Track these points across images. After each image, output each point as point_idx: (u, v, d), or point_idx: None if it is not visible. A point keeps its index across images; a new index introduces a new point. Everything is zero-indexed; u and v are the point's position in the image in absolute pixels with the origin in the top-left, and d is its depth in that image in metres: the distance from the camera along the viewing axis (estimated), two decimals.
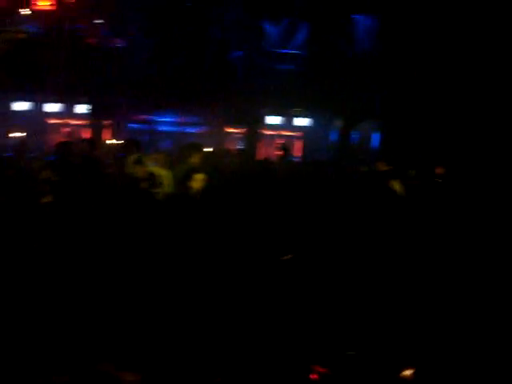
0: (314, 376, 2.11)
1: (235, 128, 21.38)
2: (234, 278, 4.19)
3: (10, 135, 18.11)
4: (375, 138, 20.17)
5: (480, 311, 3.86)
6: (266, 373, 2.10)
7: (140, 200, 8.93)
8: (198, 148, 10.14)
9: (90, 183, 8.85)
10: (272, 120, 21.91)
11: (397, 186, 9.04)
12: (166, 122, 21.05)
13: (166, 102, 19.34)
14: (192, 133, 21.20)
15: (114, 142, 16.99)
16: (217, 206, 7.78)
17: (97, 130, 19.24)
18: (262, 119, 21.30)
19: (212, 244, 6.00)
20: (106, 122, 19.89)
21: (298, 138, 22.10)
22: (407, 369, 2.07)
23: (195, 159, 9.56)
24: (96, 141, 14.26)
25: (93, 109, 19.55)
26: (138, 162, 9.42)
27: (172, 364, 2.21)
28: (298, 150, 21.05)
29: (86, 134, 19.59)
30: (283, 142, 19.16)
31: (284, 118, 21.76)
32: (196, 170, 9.03)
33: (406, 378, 2.07)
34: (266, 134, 21.90)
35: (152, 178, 9.12)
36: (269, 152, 21.85)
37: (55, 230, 5.81)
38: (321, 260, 4.45)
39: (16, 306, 3.53)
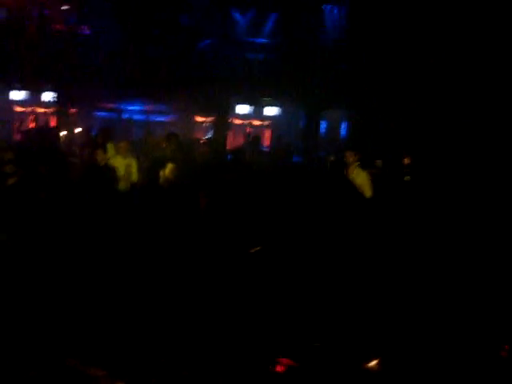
0: (279, 368, 2.14)
1: (204, 117, 21.28)
2: (203, 269, 4.21)
3: None
4: (343, 128, 20.31)
5: (443, 298, 3.95)
6: (232, 364, 2.13)
7: (104, 189, 8.88)
8: (173, 138, 10.12)
9: (53, 173, 8.75)
10: (241, 109, 21.87)
11: (364, 176, 9.13)
12: (133, 111, 20.83)
13: (134, 90, 19.15)
14: (160, 121, 21.03)
15: (81, 130, 16.80)
16: (186, 196, 7.77)
17: (63, 118, 18.94)
18: (232, 108, 21.25)
19: (181, 235, 6.01)
20: (72, 110, 19.59)
21: (266, 126, 22.12)
22: (372, 360, 2.12)
23: (168, 150, 9.51)
24: (59, 130, 14.08)
25: (59, 96, 19.23)
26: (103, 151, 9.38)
27: (137, 358, 2.23)
28: (266, 139, 21.09)
29: (53, 122, 19.32)
30: (253, 132, 19.23)
31: (253, 107, 21.74)
32: (166, 160, 9.00)
33: (370, 369, 2.12)
34: (236, 124, 21.87)
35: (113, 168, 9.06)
36: (238, 141, 21.86)
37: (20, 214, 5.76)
38: (288, 252, 4.49)
39: None
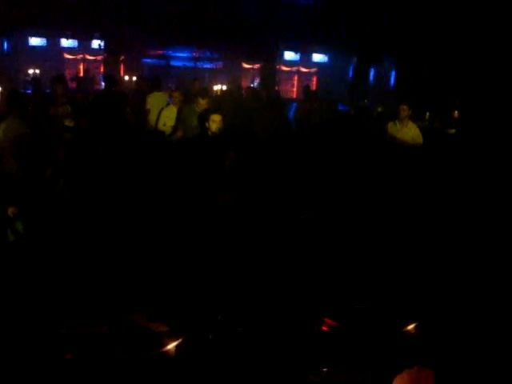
0: (324, 328, 2.33)
1: (251, 64, 21.19)
2: (250, 230, 4.39)
3: (29, 71, 18.17)
4: (392, 77, 19.93)
5: (481, 269, 4.04)
6: (278, 324, 2.33)
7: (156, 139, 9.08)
8: (204, 93, 10.19)
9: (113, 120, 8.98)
10: (289, 56, 21.68)
11: (416, 128, 9.10)
12: (181, 57, 20.89)
13: (181, 37, 19.13)
14: (208, 68, 21.05)
15: (131, 78, 17.03)
16: (235, 148, 7.90)
17: (112, 66, 19.17)
18: (279, 55, 21.08)
19: (231, 187, 6.19)
20: (120, 57, 19.79)
21: (314, 74, 21.93)
22: (411, 323, 2.28)
23: (203, 104, 9.58)
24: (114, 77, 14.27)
25: (107, 44, 19.41)
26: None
27: (196, 316, 2.44)
28: (313, 86, 20.95)
29: (101, 69, 19.63)
30: (303, 83, 19.05)
31: (300, 54, 21.52)
32: (214, 111, 9.10)
33: (410, 332, 2.29)
34: (283, 70, 21.74)
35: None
36: (287, 88, 21.76)
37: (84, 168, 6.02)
38: (333, 216, 4.63)
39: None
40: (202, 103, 9.28)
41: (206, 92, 10.19)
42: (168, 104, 9.80)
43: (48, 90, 12.49)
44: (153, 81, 10.90)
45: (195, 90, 11.51)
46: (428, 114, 11.73)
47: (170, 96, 10.50)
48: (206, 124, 8.82)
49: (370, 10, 17.97)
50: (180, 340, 2.25)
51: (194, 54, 20.96)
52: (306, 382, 2.10)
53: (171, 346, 2.25)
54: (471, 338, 2.38)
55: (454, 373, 2.12)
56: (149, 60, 20.96)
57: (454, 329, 2.38)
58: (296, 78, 21.76)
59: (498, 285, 3.48)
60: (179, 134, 8.97)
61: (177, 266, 3.48)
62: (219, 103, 10.34)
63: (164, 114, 9.46)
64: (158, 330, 2.34)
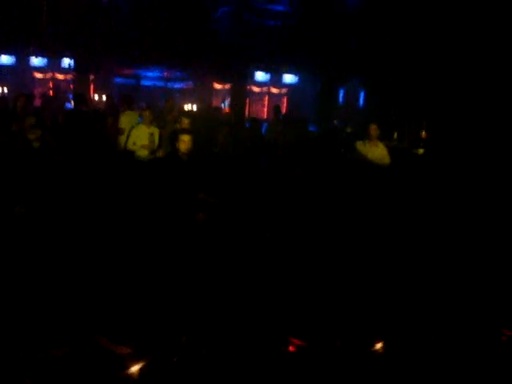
0: (291, 348, 2.31)
1: (222, 84, 21.26)
2: (215, 248, 4.36)
3: None
4: (361, 97, 20.19)
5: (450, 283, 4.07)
6: (243, 345, 2.29)
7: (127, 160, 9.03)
8: (187, 115, 10.22)
9: (81, 139, 8.91)
10: (259, 76, 21.82)
11: (383, 148, 9.21)
12: (151, 77, 20.87)
13: (152, 57, 19.13)
14: (178, 88, 21.05)
15: (101, 97, 16.92)
16: (206, 168, 7.89)
17: (82, 84, 19.05)
18: (250, 75, 21.20)
19: (199, 207, 6.17)
20: (91, 77, 19.69)
21: (284, 94, 22.08)
22: (378, 342, 2.27)
23: (184, 125, 9.58)
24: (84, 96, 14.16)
25: (78, 63, 19.31)
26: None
27: (160, 337, 2.40)
28: (284, 107, 21.10)
29: (71, 88, 19.46)
30: (275, 102, 19.16)
31: (271, 75, 21.68)
32: (182, 131, 9.10)
33: (377, 351, 2.27)
34: (254, 91, 21.85)
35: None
36: (257, 109, 21.88)
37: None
38: (299, 234, 4.63)
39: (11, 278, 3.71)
40: (186, 122, 9.34)
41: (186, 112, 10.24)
42: (138, 123, 9.79)
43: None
44: (126, 99, 10.86)
45: (168, 110, 11.52)
46: (396, 133, 11.89)
47: (141, 115, 10.49)
48: (176, 144, 8.81)
49: (338, 31, 18.26)
50: (144, 362, 2.20)
51: (165, 73, 20.96)
52: None
53: (134, 368, 2.21)
54: (438, 353, 2.37)
55: None
56: (119, 79, 20.89)
57: (421, 346, 2.38)
58: (266, 98, 21.89)
59: (461, 301, 3.51)
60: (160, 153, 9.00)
61: (141, 286, 3.44)
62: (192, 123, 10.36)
63: (134, 133, 9.43)
64: (121, 352, 2.29)
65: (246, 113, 20.20)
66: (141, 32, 18.40)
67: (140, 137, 9.30)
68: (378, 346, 2.30)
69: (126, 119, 9.89)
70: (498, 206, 7.42)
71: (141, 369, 2.18)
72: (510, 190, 8.16)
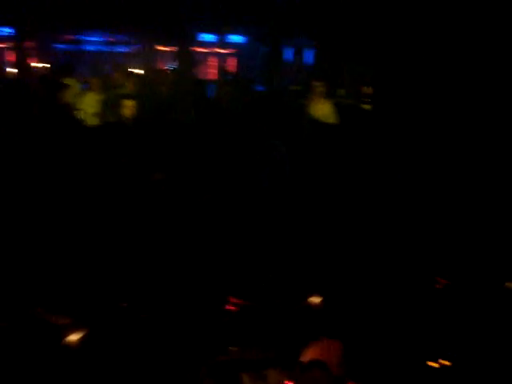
0: (231, 307, 2.35)
1: (168, 46, 20.87)
2: (161, 212, 4.36)
3: None
4: (308, 55, 20.10)
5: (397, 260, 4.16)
6: (183, 307, 2.32)
7: (70, 127, 8.84)
8: (126, 74, 10.01)
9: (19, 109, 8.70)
10: (206, 37, 21.51)
11: (329, 106, 9.25)
12: (95, 42, 20.34)
13: (94, 21, 18.61)
14: (122, 52, 20.59)
15: (40, 65, 16.44)
16: (150, 132, 7.80)
17: (21, 53, 18.44)
18: (195, 36, 20.85)
19: (145, 173, 6.12)
20: (30, 44, 19.06)
21: (231, 55, 21.84)
22: (316, 297, 2.32)
23: (129, 86, 9.42)
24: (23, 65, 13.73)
25: (16, 30, 18.64)
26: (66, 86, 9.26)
27: (99, 305, 2.40)
28: (232, 67, 20.87)
29: (11, 57, 18.82)
30: (221, 62, 18.95)
31: (218, 36, 21.38)
32: (126, 96, 8.95)
33: (316, 306, 2.33)
34: (200, 52, 21.52)
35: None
36: (203, 70, 21.58)
37: None
38: (234, 194, 4.66)
39: None
40: (126, 83, 9.17)
41: (128, 73, 10.05)
42: (84, 90, 9.63)
43: None
44: (63, 67, 10.61)
45: (117, 75, 11.30)
46: (342, 90, 11.95)
47: (87, 82, 10.29)
48: (120, 110, 8.65)
49: None
50: (84, 331, 2.21)
51: (109, 38, 20.46)
52: (214, 361, 2.10)
53: (74, 336, 2.21)
54: (375, 308, 2.45)
55: (360, 343, 2.19)
56: (61, 46, 20.28)
57: (359, 301, 2.45)
58: (214, 59, 21.62)
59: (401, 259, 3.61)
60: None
61: (78, 254, 3.42)
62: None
63: (82, 100, 9.29)
64: (61, 323, 2.29)
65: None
66: None
67: (89, 104, 9.16)
68: (317, 300, 2.36)
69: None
70: (440, 160, 7.59)
71: (80, 338, 2.19)
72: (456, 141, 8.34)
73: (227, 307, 2.33)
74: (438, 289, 2.66)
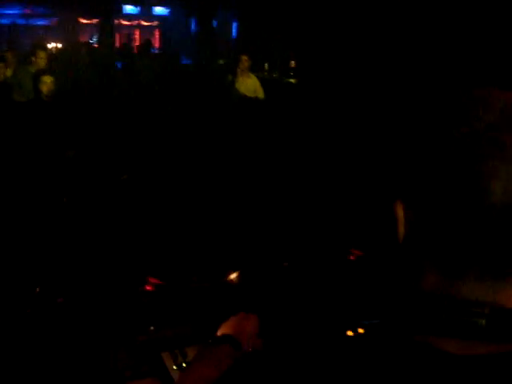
0: (148, 287, 2.35)
1: (89, 19, 20.24)
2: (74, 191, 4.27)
3: None
4: (234, 28, 19.99)
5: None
6: (100, 289, 2.30)
7: None
8: (42, 47, 9.62)
9: None
10: (129, 9, 20.99)
11: (255, 80, 9.22)
12: (11, 15, 19.46)
13: None
14: (42, 25, 19.82)
15: None
16: (70, 109, 7.58)
17: None
18: (118, 8, 20.30)
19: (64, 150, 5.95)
20: None
21: (156, 27, 21.46)
22: (233, 272, 2.35)
23: (41, 60, 9.06)
24: None
25: None
26: None
27: (13, 288, 2.35)
28: (156, 40, 20.53)
29: None
30: (144, 37, 18.54)
31: (141, 7, 20.91)
32: (44, 72, 8.63)
33: (233, 281, 2.36)
34: (123, 25, 21.03)
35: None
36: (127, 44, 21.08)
37: None
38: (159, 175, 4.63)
39: None
40: (42, 57, 8.76)
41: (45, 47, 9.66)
42: None
43: None
44: None
45: (34, 50, 10.84)
46: (267, 64, 11.97)
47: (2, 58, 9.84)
48: (39, 86, 8.34)
49: None
50: None
51: (26, 10, 19.61)
52: (134, 342, 2.10)
53: None
54: (292, 283, 2.50)
55: (277, 317, 2.23)
56: None
57: (274, 276, 2.49)
58: (137, 32, 21.17)
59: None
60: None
61: None
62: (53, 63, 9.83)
63: None
64: None
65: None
66: None
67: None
68: (233, 276, 2.38)
69: None
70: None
71: None
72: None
73: (145, 287, 2.33)
74: (352, 260, 2.74)
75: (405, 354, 0.79)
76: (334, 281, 2.65)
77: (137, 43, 21.35)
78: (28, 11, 19.41)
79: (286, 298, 2.56)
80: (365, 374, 0.79)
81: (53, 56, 9.81)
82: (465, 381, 0.75)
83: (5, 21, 19.50)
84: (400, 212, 0.83)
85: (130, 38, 17.93)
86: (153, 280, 2.41)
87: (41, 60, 8.84)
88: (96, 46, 17.96)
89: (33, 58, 9.28)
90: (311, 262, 2.72)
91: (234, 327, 1.73)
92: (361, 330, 2.22)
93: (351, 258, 2.88)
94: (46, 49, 9.61)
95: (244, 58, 9.08)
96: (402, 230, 0.83)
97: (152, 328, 2.20)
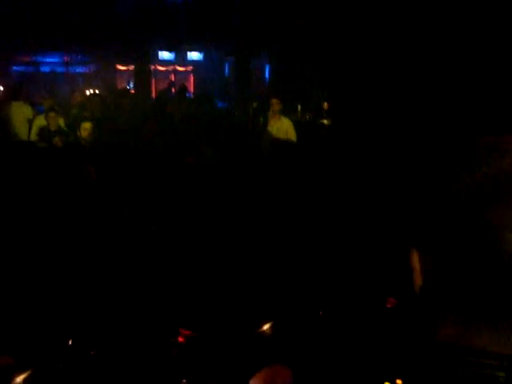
0: (181, 339, 2.33)
1: (126, 65, 20.79)
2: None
3: None
4: (267, 72, 20.22)
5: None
6: (133, 341, 2.29)
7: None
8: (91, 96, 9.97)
9: None
10: (164, 55, 21.50)
11: (288, 122, 9.28)
12: (51, 63, 20.12)
13: (51, 41, 18.38)
14: (81, 73, 20.41)
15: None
16: (108, 154, 7.73)
17: None
18: (153, 54, 20.82)
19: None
20: None
21: (190, 72, 21.88)
22: (266, 323, 2.32)
23: (89, 108, 9.35)
24: None
25: None
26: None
27: (42, 345, 2.36)
28: (190, 84, 20.91)
29: None
30: (178, 79, 18.90)
31: (176, 53, 21.40)
32: (83, 119, 8.88)
33: (265, 333, 2.33)
34: (159, 70, 21.51)
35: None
36: (164, 87, 21.55)
37: None
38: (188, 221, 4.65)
39: None
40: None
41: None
42: (39, 114, 9.52)
43: None
44: (13, 89, 10.38)
45: (76, 100, 11.17)
46: (299, 106, 12.03)
47: (42, 104, 10.14)
48: (78, 132, 8.60)
49: (241, 6, 18.15)
50: (27, 372, 2.16)
51: (65, 58, 20.26)
52: None
53: (18, 379, 2.16)
54: (326, 335, 2.46)
55: (310, 370, 2.19)
56: (17, 67, 20.00)
57: (309, 327, 2.45)
58: (172, 76, 21.63)
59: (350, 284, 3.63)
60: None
61: (17, 288, 3.35)
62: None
63: (36, 123, 9.16)
64: (4, 364, 2.23)
65: (153, 93, 19.86)
66: (38, 15, 17.62)
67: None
68: (266, 327, 2.35)
69: (14, 110, 9.40)
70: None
71: (25, 379, 2.14)
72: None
73: (178, 339, 2.32)
74: (389, 308, 2.68)
75: None
76: (371, 331, 2.60)
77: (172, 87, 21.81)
78: (67, 59, 20.03)
79: (321, 349, 2.52)
80: None
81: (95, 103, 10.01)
82: None
83: (45, 68, 20.16)
84: (416, 261, 0.82)
85: (171, 83, 18.22)
86: (185, 331, 2.40)
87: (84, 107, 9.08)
88: (133, 91, 18.44)
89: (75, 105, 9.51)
90: (347, 311, 2.68)
91: (266, 380, 1.70)
92: (399, 382, 2.16)
93: (388, 305, 2.83)
94: (88, 96, 9.83)
95: (275, 101, 9.18)
96: (418, 279, 0.82)
97: (184, 381, 2.18)
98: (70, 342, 2.24)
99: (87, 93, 15.49)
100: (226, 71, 20.47)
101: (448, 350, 0.76)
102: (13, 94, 9.91)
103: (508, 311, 0.73)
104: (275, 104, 9.18)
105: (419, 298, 0.83)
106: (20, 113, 9.25)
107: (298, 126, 9.61)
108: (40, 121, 9.07)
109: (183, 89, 14.07)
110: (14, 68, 19.76)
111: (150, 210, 5.08)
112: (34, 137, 9.03)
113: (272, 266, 3.74)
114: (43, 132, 8.75)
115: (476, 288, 0.75)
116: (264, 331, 2.29)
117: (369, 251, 4.18)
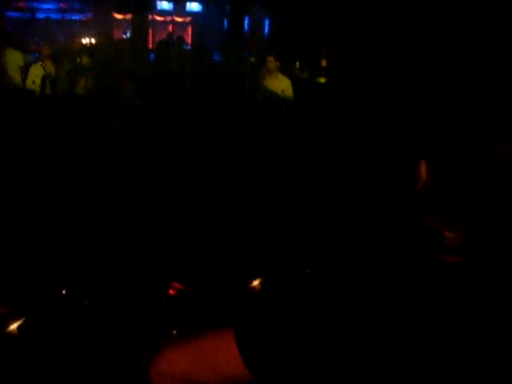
0: (172, 292, 2.38)
1: (123, 14, 20.42)
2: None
3: None
4: (267, 25, 19.90)
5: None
6: (125, 292, 2.34)
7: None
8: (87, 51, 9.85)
9: None
10: (163, 5, 21.13)
11: (285, 81, 9.23)
12: (47, 9, 19.74)
13: None
14: (77, 20, 20.06)
15: None
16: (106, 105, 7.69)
17: None
18: (152, 4, 20.47)
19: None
20: None
21: (188, 23, 21.55)
22: (256, 279, 2.37)
23: (84, 61, 9.25)
24: None
25: None
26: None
27: (38, 294, 2.40)
28: (188, 36, 20.62)
29: None
30: (175, 30, 18.64)
31: (175, 3, 21.04)
32: (83, 70, 8.81)
33: (254, 289, 2.38)
34: (157, 20, 21.19)
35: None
36: (161, 38, 21.24)
37: None
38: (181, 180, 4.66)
39: None
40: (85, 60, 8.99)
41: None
42: (36, 60, 9.40)
43: None
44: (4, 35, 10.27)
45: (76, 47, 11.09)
46: (298, 63, 11.92)
47: (38, 52, 10.01)
48: (73, 81, 8.55)
49: None
50: (21, 320, 2.22)
51: (61, 4, 19.88)
52: (156, 346, 2.13)
53: (13, 326, 2.22)
54: (316, 291, 2.51)
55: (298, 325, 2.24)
56: (12, 13, 19.62)
57: (297, 284, 2.50)
58: (171, 27, 21.28)
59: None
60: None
61: (16, 240, 3.40)
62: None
63: (33, 71, 9.04)
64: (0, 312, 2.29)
65: (150, 43, 19.58)
66: None
67: (39, 75, 8.91)
68: (255, 283, 2.40)
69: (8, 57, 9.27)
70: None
71: (19, 326, 2.20)
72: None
73: (169, 292, 2.37)
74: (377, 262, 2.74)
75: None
76: (360, 287, 2.65)
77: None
78: (63, 6, 19.68)
79: (310, 305, 2.57)
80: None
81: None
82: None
83: (40, 15, 19.81)
84: (423, 169, 1.39)
85: (169, 34, 17.88)
86: (176, 285, 2.45)
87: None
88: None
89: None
90: (336, 268, 2.73)
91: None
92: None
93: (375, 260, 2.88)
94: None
95: (270, 59, 9.11)
96: (421, 181, 1.42)
97: (174, 332, 2.24)
98: (64, 292, 2.29)
99: (83, 41, 15.26)
100: (225, 23, 20.15)
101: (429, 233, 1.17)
102: (5, 40, 9.77)
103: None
104: (270, 62, 9.13)
105: (416, 197, 1.20)
106: (13, 60, 9.13)
107: (295, 83, 9.55)
108: (36, 68, 8.97)
109: (180, 40, 13.91)
110: (8, 14, 19.39)
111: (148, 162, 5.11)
112: (30, 85, 8.92)
113: (262, 224, 3.80)
114: (44, 80, 8.65)
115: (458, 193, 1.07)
116: (253, 287, 2.35)
117: (359, 210, 4.24)
